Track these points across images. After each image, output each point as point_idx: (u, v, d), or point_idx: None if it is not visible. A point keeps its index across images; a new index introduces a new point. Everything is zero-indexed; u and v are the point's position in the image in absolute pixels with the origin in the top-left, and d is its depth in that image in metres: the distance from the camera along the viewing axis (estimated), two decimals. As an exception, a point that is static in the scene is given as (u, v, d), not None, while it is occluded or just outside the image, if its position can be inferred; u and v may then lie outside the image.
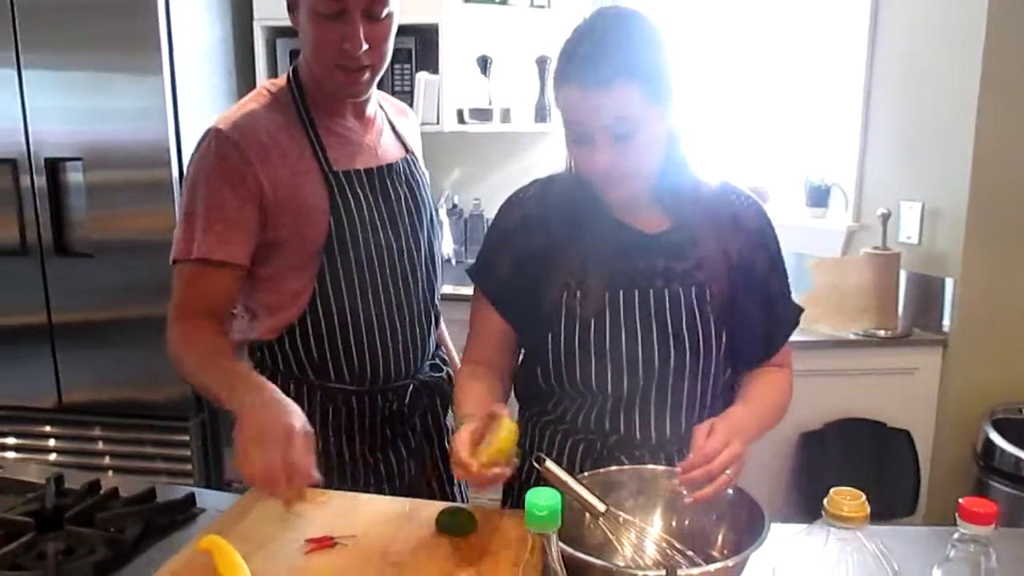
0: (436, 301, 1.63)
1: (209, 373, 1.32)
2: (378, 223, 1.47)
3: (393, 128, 1.60)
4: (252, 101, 1.45)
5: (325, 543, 1.18)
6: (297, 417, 1.18)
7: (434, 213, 1.63)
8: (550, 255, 1.32)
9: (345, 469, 1.52)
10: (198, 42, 2.87)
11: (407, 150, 1.60)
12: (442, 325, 1.71)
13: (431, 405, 1.63)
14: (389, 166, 1.53)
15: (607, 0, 3.25)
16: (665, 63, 1.21)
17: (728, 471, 1.13)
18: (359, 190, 1.46)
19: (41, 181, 2.75)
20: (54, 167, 2.75)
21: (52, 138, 2.73)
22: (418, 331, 1.56)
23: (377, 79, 1.46)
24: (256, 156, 1.38)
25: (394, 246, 1.50)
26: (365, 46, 1.35)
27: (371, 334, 1.49)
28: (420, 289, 1.56)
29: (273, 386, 1.25)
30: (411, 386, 1.57)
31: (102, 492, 1.35)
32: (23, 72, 2.70)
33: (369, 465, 1.54)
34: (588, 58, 1.17)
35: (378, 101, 1.58)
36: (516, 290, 1.36)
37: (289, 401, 1.22)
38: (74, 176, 2.76)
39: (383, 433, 1.55)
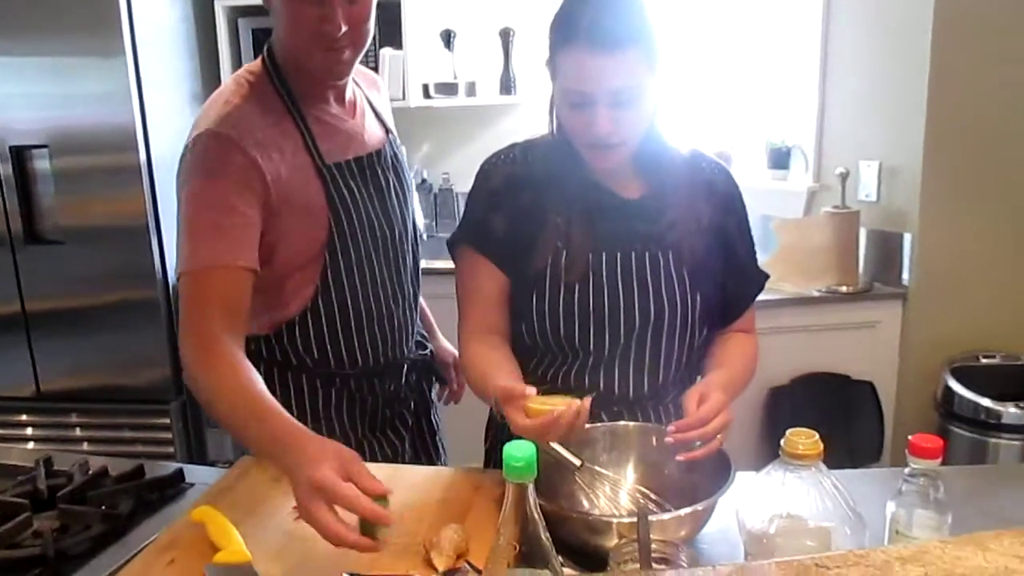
0: (419, 278, 1.64)
1: (246, 429, 1.18)
2: (372, 214, 1.46)
3: (372, 107, 1.57)
4: (233, 95, 1.37)
5: None
6: (336, 457, 1.05)
7: (411, 189, 1.62)
8: (537, 215, 1.35)
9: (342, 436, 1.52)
10: (159, 23, 2.86)
11: (387, 130, 1.58)
12: (421, 300, 1.71)
13: (419, 383, 1.67)
14: (377, 153, 1.51)
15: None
16: (659, 31, 1.24)
17: (719, 435, 1.17)
18: (352, 182, 1.43)
19: (7, 170, 2.74)
20: (20, 155, 2.74)
21: (17, 125, 2.71)
22: (408, 312, 1.58)
23: (359, 59, 1.40)
24: (259, 154, 1.31)
25: (387, 234, 1.50)
26: (345, 27, 1.30)
27: (370, 322, 1.49)
28: (408, 270, 1.58)
29: (309, 435, 1.11)
30: (404, 366, 1.59)
31: (91, 472, 1.38)
32: (-17, 60, 2.68)
33: (373, 446, 1.56)
34: (596, 21, 1.18)
35: (352, 77, 1.50)
36: (512, 247, 1.37)
37: (326, 443, 1.09)
38: (40, 164, 2.74)
39: (383, 414, 1.58)
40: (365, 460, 1.41)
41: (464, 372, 1.45)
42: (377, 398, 1.55)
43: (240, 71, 1.45)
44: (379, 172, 1.50)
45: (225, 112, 1.34)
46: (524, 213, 1.36)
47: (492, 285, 1.40)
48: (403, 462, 1.60)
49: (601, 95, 1.21)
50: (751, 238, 1.46)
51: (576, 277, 1.34)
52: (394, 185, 1.54)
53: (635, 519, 0.97)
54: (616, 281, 1.34)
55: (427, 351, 1.70)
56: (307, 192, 1.38)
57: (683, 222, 1.35)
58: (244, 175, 1.30)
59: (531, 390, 1.15)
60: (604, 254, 1.34)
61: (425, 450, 1.70)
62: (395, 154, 1.57)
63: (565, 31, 1.22)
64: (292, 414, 1.15)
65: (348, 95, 1.50)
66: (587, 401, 1.14)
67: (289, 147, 1.36)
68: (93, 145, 2.70)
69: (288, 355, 1.48)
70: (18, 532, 1.19)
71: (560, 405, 1.11)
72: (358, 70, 1.52)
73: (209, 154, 1.31)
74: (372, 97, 1.60)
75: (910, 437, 0.99)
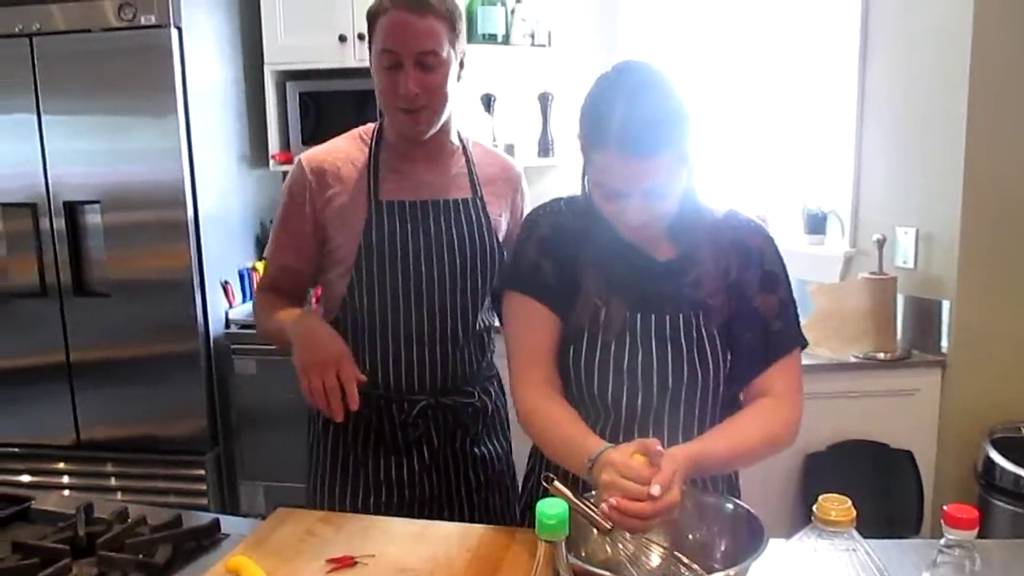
0: (473, 331, 1.68)
1: (271, 317, 1.64)
2: (410, 250, 1.60)
3: (471, 173, 1.70)
4: (342, 138, 1.70)
5: (345, 562, 1.24)
6: (338, 342, 1.49)
7: (496, 251, 1.67)
8: (580, 268, 1.38)
9: (363, 456, 1.66)
10: (211, 86, 2.97)
11: (476, 193, 1.69)
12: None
13: (447, 426, 1.68)
14: (440, 201, 1.65)
15: (611, 45, 3.35)
16: (690, 121, 1.25)
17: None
18: (397, 218, 1.61)
19: (60, 224, 2.84)
20: (72, 210, 2.84)
21: (71, 181, 2.82)
22: (438, 354, 1.65)
23: (438, 120, 1.60)
24: (316, 182, 1.62)
25: (423, 272, 1.61)
26: (416, 91, 1.52)
27: (385, 347, 1.63)
28: (450, 317, 1.64)
29: (320, 319, 1.59)
30: (424, 402, 1.64)
31: (130, 520, 1.40)
32: (42, 117, 2.79)
33: (387, 466, 1.66)
34: (626, 123, 1.20)
35: (470, 153, 1.72)
36: (562, 293, 1.38)
37: (332, 330, 1.52)
38: (92, 218, 2.84)
39: (395, 439, 1.66)
40: (379, 472, 1.66)
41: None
42: (384, 421, 1.65)
43: (366, 126, 1.73)
44: (432, 216, 1.63)
45: (320, 148, 1.69)
46: (570, 263, 1.38)
47: (546, 330, 1.39)
48: (418, 495, 1.65)
49: (634, 193, 1.25)
50: (785, 294, 1.40)
51: (612, 336, 1.35)
52: (452, 232, 1.64)
53: (666, 582, 0.97)
54: (650, 342, 1.35)
55: (472, 399, 1.70)
56: (350, 217, 1.61)
57: (711, 281, 1.36)
58: (301, 196, 1.63)
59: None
60: (640, 316, 1.36)
61: (459, 498, 1.70)
62: (470, 211, 1.67)
63: (595, 134, 1.25)
64: None
65: (441, 155, 1.68)
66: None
67: (352, 181, 1.63)
68: (143, 201, 2.79)
69: None
70: (58, 578, 1.21)
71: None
72: (497, 161, 1.78)
73: (290, 175, 1.67)
74: (483, 171, 1.72)
75: (945, 507, 0.98)
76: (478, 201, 1.68)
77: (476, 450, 1.72)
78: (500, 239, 1.70)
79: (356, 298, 1.62)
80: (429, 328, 1.63)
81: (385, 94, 1.57)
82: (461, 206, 1.66)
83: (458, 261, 1.63)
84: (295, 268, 1.70)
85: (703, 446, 1.26)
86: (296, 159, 1.68)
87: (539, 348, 1.39)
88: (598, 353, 1.36)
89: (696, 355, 1.35)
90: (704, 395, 1.37)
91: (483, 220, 1.67)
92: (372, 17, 1.57)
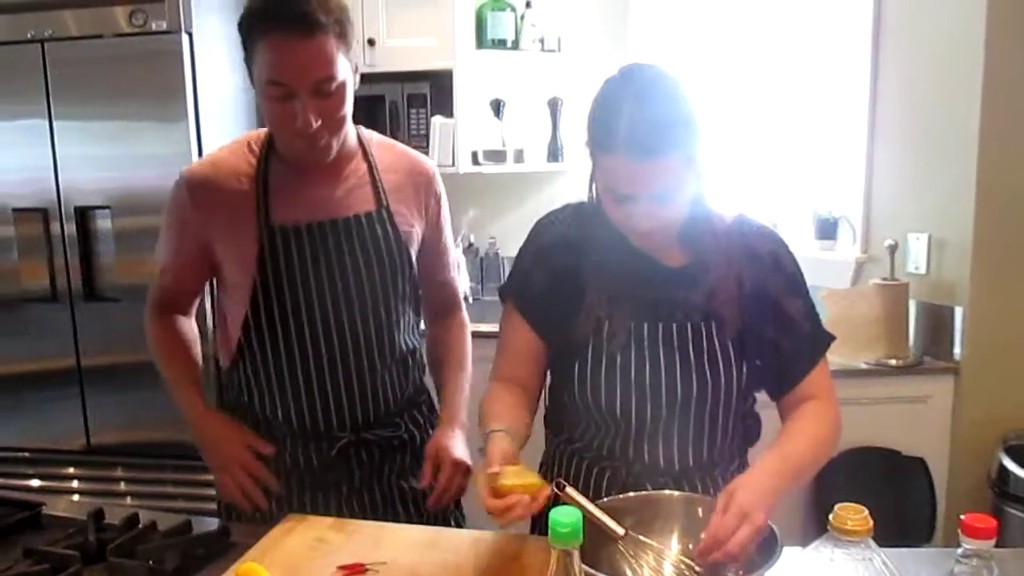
0: (392, 357, 1.58)
1: (174, 386, 1.62)
2: (311, 280, 1.48)
3: (375, 181, 1.55)
4: (227, 148, 1.56)
5: (356, 570, 1.24)
6: (235, 440, 1.53)
7: (408, 267, 1.57)
8: (582, 279, 1.37)
9: (287, 494, 1.57)
10: (222, 92, 2.97)
11: (381, 203, 1.54)
12: (426, 377, 1.71)
13: (372, 463, 1.59)
14: (340, 220, 1.50)
15: (621, 50, 3.35)
16: (699, 124, 1.24)
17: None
18: (293, 246, 1.48)
19: (71, 229, 2.84)
20: (83, 215, 2.84)
21: (81, 186, 2.82)
22: (355, 387, 1.54)
23: (340, 140, 1.46)
24: (197, 203, 1.49)
25: (328, 303, 1.50)
26: (317, 123, 1.37)
27: (295, 385, 1.53)
28: (364, 347, 1.54)
29: (214, 415, 1.59)
30: (344, 440, 1.56)
31: (140, 526, 1.40)
32: (54, 123, 2.80)
33: (313, 504, 1.57)
34: (634, 126, 1.18)
35: (372, 157, 1.56)
36: (550, 306, 1.39)
37: (229, 426, 1.56)
38: (103, 223, 2.84)
39: (314, 480, 1.57)
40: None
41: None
42: (313, 461, 1.56)
43: (257, 131, 1.57)
44: (332, 238, 1.50)
45: (203, 162, 1.57)
46: (567, 276, 1.37)
47: (521, 341, 1.43)
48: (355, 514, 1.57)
49: (642, 196, 1.23)
50: (805, 298, 1.38)
51: (617, 348, 1.34)
52: (358, 252, 1.51)
53: (680, 591, 0.97)
54: (658, 352, 1.33)
55: (399, 432, 1.62)
56: (239, 246, 1.49)
57: (724, 289, 1.34)
58: (182, 217, 1.52)
59: (497, 468, 1.17)
60: (646, 325, 1.34)
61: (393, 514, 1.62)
62: (373, 225, 1.53)
63: (602, 137, 1.23)
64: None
65: (338, 167, 1.53)
66: (546, 490, 1.15)
67: (238, 202, 1.49)
68: (153, 206, 2.77)
69: (241, 390, 1.61)
70: (68, 584, 1.21)
71: (527, 484, 1.15)
72: (410, 161, 1.62)
73: (173, 192, 1.54)
74: (387, 179, 1.57)
75: (962, 516, 0.97)
76: (383, 212, 1.54)
77: (404, 484, 1.62)
78: (413, 253, 1.57)
79: (255, 339, 1.52)
80: (342, 362, 1.52)
81: (277, 124, 1.43)
82: (364, 221, 1.52)
83: (366, 285, 1.51)
84: (182, 289, 1.64)
85: (778, 460, 1.24)
86: (179, 174, 1.53)
87: (511, 351, 1.44)
88: (604, 365, 1.35)
89: (707, 365, 1.33)
90: (715, 407, 1.35)
91: (391, 234, 1.54)
92: (246, 35, 1.38)
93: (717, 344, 1.34)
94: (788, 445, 1.28)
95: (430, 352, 1.74)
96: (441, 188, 1.66)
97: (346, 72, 1.39)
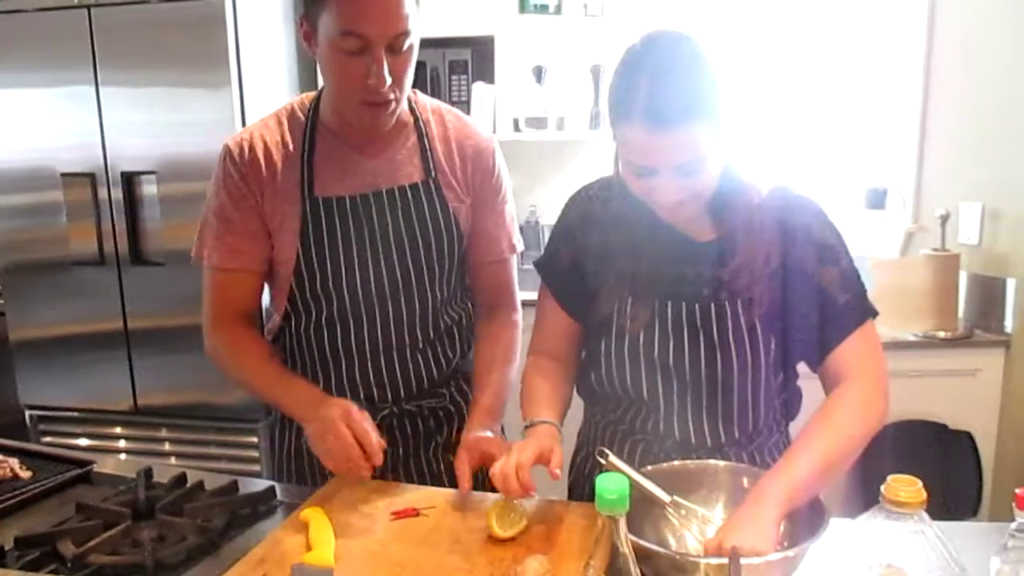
0: (437, 330, 1.56)
1: (260, 386, 1.53)
2: (355, 254, 1.46)
3: (425, 149, 1.51)
4: (272, 116, 1.51)
5: (410, 513, 1.29)
6: (341, 406, 1.35)
7: (455, 239, 1.52)
8: (605, 257, 1.35)
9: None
10: (265, 57, 2.98)
11: (430, 173, 1.50)
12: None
13: (416, 435, 1.58)
14: (384, 191, 1.47)
15: (665, 15, 3.29)
16: (723, 90, 1.18)
17: None
18: (336, 217, 1.45)
19: (118, 194, 2.88)
20: (130, 180, 2.88)
21: (128, 152, 2.85)
22: (396, 362, 1.53)
23: (399, 109, 1.41)
24: (251, 174, 1.45)
25: (371, 276, 1.47)
26: (389, 80, 1.31)
27: (337, 359, 1.52)
28: (406, 322, 1.51)
29: (312, 386, 1.47)
30: (386, 411, 1.54)
31: (188, 485, 1.43)
32: (100, 89, 2.83)
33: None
34: (653, 95, 1.13)
35: (425, 125, 1.51)
36: (576, 285, 1.39)
37: (328, 398, 1.41)
38: (148, 188, 2.88)
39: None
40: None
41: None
42: None
43: (301, 96, 1.52)
44: (376, 210, 1.47)
45: (247, 133, 1.48)
46: (592, 255, 1.37)
47: (553, 315, 1.45)
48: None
49: (664, 169, 1.18)
50: (845, 266, 1.29)
51: (640, 326, 1.31)
52: (401, 224, 1.48)
53: (726, 560, 0.96)
54: (682, 331, 1.30)
55: (445, 402, 1.60)
56: (283, 217, 1.46)
57: (751, 265, 1.27)
58: (239, 191, 1.46)
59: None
60: (670, 303, 1.31)
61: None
62: (421, 196, 1.49)
63: (621, 107, 1.18)
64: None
65: (393, 135, 1.48)
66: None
67: (284, 174, 1.45)
68: (198, 172, 2.81)
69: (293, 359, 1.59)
70: (120, 540, 1.24)
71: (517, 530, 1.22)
72: (462, 137, 1.54)
73: (219, 166, 1.48)
74: (442, 148, 1.52)
75: (1017, 490, 0.94)
76: (431, 183, 1.49)
77: (451, 456, 1.50)
78: (460, 225, 1.52)
79: (300, 309, 1.51)
80: (382, 334, 1.50)
81: (345, 83, 1.35)
82: (410, 192, 1.48)
83: (410, 258, 1.48)
84: (251, 269, 1.50)
85: (788, 481, 1.14)
86: (223, 145, 1.48)
87: (546, 324, 1.46)
88: (627, 344, 1.33)
89: (733, 345, 1.29)
90: (743, 386, 1.31)
91: (437, 205, 1.49)
92: None
93: (743, 322, 1.29)
94: (792, 469, 1.16)
95: (477, 348, 1.63)
96: (497, 164, 1.57)
97: (417, 32, 1.36)
